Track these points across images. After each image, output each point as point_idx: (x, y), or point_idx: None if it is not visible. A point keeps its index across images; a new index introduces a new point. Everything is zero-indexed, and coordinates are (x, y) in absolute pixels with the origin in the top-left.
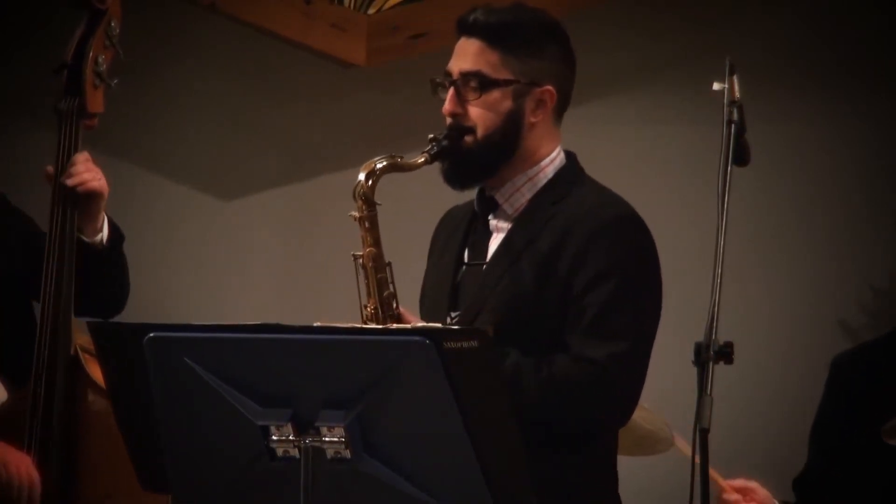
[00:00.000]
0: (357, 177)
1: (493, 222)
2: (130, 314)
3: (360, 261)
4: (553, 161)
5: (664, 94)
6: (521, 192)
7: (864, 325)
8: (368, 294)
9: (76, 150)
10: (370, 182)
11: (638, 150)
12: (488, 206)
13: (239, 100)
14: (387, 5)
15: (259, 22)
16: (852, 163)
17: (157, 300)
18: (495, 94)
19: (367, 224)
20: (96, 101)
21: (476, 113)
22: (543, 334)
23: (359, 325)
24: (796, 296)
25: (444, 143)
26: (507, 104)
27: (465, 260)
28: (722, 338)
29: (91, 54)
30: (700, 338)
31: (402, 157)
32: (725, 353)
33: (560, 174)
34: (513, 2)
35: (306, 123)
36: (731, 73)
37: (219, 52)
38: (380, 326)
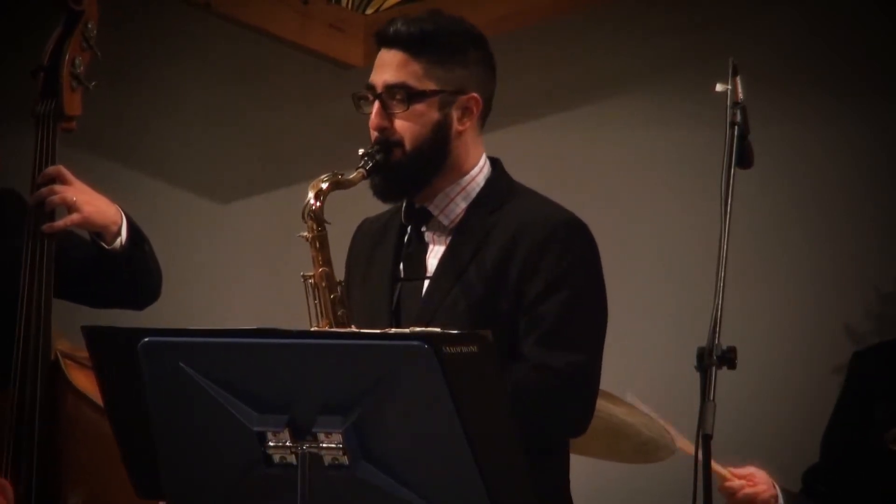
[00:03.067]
0: (306, 196)
1: (428, 234)
2: (125, 318)
3: (311, 281)
4: (482, 169)
5: (666, 96)
6: (455, 202)
7: (869, 330)
8: (321, 315)
9: (54, 153)
10: (319, 201)
11: (640, 152)
12: (420, 217)
13: (234, 101)
14: (385, 5)
15: (255, 22)
16: (857, 165)
17: (153, 304)
18: (421, 106)
19: (317, 244)
20: (74, 104)
21: (403, 126)
22: (498, 344)
23: (356, 330)
24: (800, 300)
25: (378, 156)
26: (434, 115)
27: (402, 276)
28: (725, 342)
29: (68, 56)
30: (703, 342)
31: (342, 175)
32: (728, 359)
33: (491, 182)
34: (430, 9)
35: (303, 125)
36: (735, 75)
37: (214, 53)
38: (378, 331)
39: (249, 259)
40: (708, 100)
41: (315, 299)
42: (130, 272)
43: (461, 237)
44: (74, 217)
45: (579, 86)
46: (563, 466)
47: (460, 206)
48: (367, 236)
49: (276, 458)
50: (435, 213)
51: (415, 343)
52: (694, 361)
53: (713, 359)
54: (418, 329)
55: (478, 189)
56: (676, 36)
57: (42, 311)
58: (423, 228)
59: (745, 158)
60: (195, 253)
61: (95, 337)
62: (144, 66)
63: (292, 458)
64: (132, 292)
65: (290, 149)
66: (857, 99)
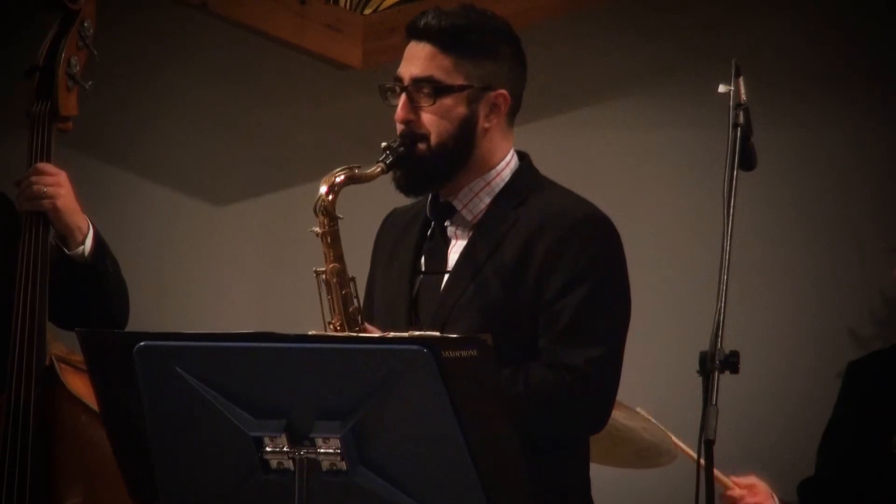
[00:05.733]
0: (318, 191)
1: (450, 229)
2: None
3: (324, 277)
4: (508, 164)
5: (669, 97)
6: (479, 197)
7: (873, 334)
8: (332, 311)
9: (49, 154)
10: (331, 196)
11: (642, 153)
12: (444, 212)
13: (231, 102)
14: (383, 6)
15: (252, 22)
16: (860, 167)
17: (148, 308)
18: (448, 101)
19: (328, 239)
20: (69, 104)
21: (429, 119)
22: (516, 342)
23: (355, 334)
24: (804, 303)
25: (400, 150)
26: (461, 110)
27: (422, 269)
28: (727, 347)
29: (63, 56)
30: (705, 347)
31: (359, 168)
32: (731, 363)
33: (516, 177)
34: (462, 4)
35: (300, 126)
36: (738, 76)
37: (210, 54)
38: (377, 335)
39: (246, 261)
40: (710, 101)
41: (328, 295)
42: (88, 288)
43: (482, 232)
44: (46, 203)
45: (581, 87)
46: (584, 466)
47: (484, 201)
48: (394, 227)
49: (274, 463)
50: (459, 207)
51: (414, 347)
52: (696, 366)
53: (716, 363)
54: (417, 333)
55: (503, 184)
56: (678, 37)
57: (36, 314)
58: (447, 223)
59: (748, 160)
60: (191, 256)
61: (91, 340)
62: (140, 66)
63: (289, 464)
64: (88, 310)
65: (288, 150)
66: (858, 99)
